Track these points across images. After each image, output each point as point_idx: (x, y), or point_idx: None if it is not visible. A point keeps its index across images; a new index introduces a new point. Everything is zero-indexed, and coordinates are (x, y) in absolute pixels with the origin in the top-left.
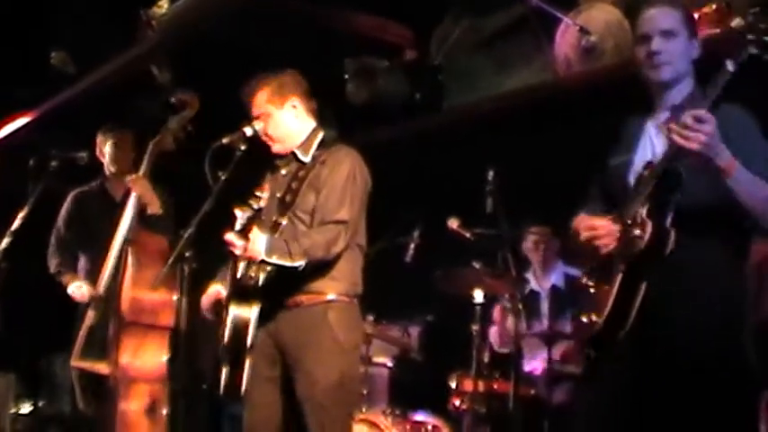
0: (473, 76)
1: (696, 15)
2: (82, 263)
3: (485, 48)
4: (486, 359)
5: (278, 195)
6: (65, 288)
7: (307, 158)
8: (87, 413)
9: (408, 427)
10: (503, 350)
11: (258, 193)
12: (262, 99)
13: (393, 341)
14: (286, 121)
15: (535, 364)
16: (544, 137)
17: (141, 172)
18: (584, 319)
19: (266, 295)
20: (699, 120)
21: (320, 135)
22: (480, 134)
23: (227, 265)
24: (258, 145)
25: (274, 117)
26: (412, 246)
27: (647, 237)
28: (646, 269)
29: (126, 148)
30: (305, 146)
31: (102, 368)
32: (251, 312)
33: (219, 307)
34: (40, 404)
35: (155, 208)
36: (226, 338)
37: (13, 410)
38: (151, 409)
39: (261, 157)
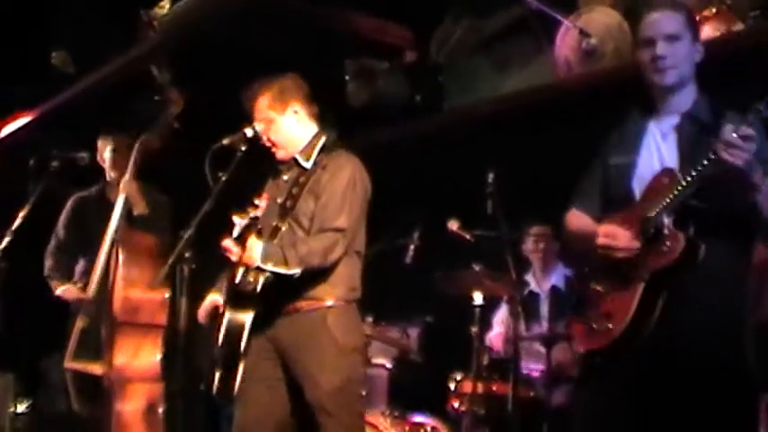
0: (473, 78)
1: (697, 18)
2: (80, 266)
3: (485, 49)
4: (485, 361)
5: (279, 201)
6: (54, 292)
7: (308, 164)
8: (82, 414)
9: (407, 428)
10: (501, 355)
11: (257, 202)
12: (263, 104)
13: (392, 342)
14: (287, 126)
15: (534, 366)
16: (544, 138)
17: (128, 172)
18: (595, 326)
19: (265, 301)
20: (746, 137)
21: (322, 140)
22: (480, 135)
23: (227, 272)
24: (258, 146)
25: (276, 123)
26: (412, 247)
27: (679, 250)
28: (673, 280)
29: (125, 153)
30: (306, 151)
31: (95, 369)
32: (246, 317)
33: (216, 315)
34: (39, 403)
35: (140, 208)
36: (220, 341)
37: (12, 410)
38: (148, 410)
39: (261, 159)
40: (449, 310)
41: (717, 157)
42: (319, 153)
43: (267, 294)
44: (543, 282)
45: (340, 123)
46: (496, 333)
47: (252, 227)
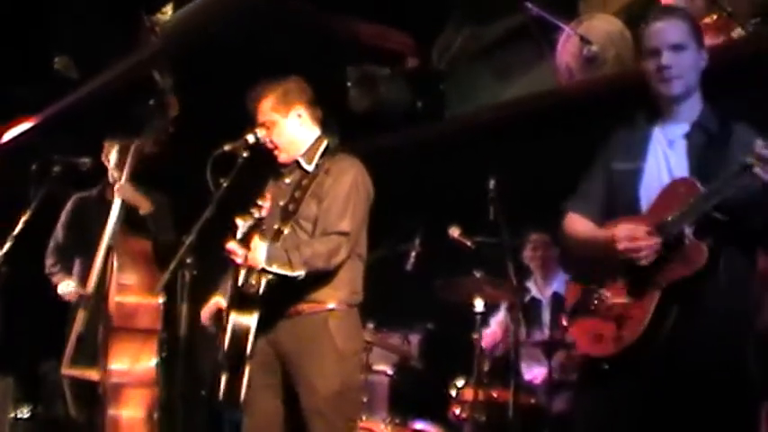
0: (474, 85)
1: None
2: (77, 267)
3: (486, 56)
4: (486, 368)
5: (281, 204)
6: (55, 288)
7: (310, 167)
8: (80, 420)
9: None
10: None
11: (260, 203)
12: (267, 107)
13: (393, 349)
14: (290, 129)
15: (535, 372)
16: (546, 145)
17: (124, 176)
18: (604, 333)
19: (267, 303)
20: None
21: (324, 143)
22: (482, 142)
23: (229, 276)
24: (260, 152)
25: (279, 125)
26: (413, 254)
27: (702, 261)
28: (690, 290)
29: (126, 156)
30: (309, 154)
31: (92, 375)
32: (251, 320)
33: (220, 317)
34: (39, 408)
35: (145, 207)
36: (226, 346)
37: (12, 414)
38: (143, 415)
39: (263, 165)
40: (450, 317)
41: (749, 171)
42: (322, 156)
43: (269, 297)
44: (545, 288)
45: (342, 129)
46: (490, 332)
47: (256, 227)
